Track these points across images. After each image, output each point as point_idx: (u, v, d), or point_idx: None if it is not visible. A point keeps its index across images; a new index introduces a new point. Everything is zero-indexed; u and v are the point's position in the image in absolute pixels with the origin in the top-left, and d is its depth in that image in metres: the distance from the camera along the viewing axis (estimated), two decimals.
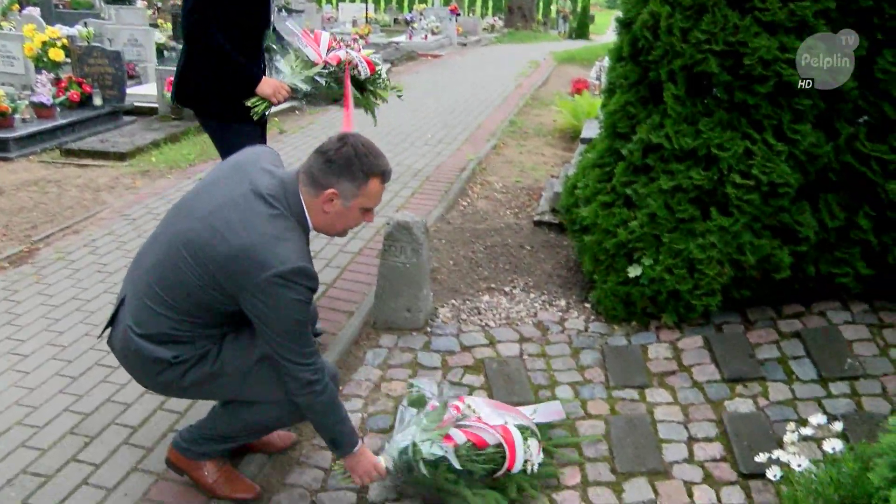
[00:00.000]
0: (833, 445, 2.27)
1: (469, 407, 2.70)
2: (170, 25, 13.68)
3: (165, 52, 11.70)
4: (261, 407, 2.39)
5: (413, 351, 3.55)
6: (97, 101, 8.27)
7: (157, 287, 2.23)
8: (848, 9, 3.23)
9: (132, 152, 7.10)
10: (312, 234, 2.32)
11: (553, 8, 31.66)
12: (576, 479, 2.77)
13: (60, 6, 16.15)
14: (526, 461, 2.62)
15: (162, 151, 7.24)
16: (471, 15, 28.76)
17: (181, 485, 2.64)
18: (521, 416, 2.78)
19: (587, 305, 3.92)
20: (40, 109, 7.67)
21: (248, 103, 3.33)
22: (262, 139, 3.47)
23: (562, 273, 4.37)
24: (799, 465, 2.27)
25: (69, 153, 7.16)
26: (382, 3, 30.43)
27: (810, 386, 3.15)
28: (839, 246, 3.46)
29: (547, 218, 5.17)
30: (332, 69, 3.48)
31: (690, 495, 2.69)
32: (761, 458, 2.45)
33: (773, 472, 2.35)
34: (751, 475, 2.72)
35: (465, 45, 19.97)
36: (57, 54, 8.75)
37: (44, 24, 9.67)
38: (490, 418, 2.67)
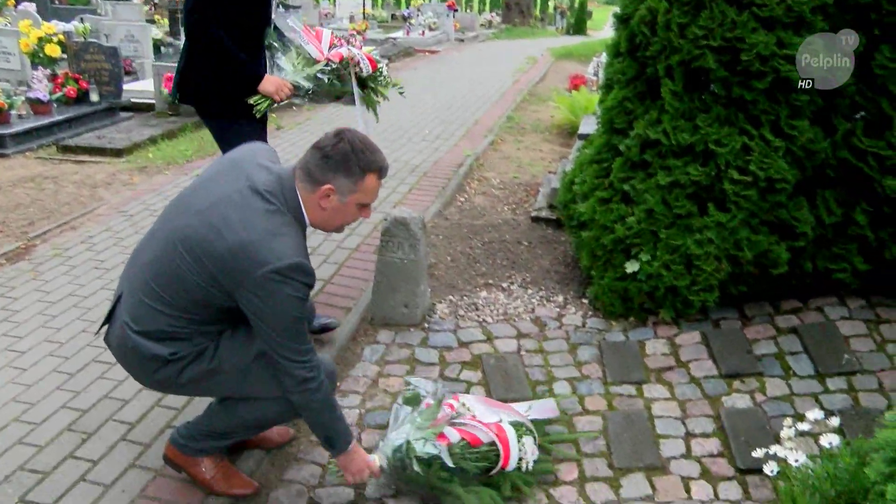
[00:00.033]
0: (830, 441, 2.28)
1: (463, 405, 2.70)
2: (167, 21, 13.65)
3: (162, 48, 11.67)
4: (258, 403, 2.39)
5: (411, 347, 3.55)
6: (94, 97, 8.26)
7: (154, 284, 2.23)
8: (845, 4, 3.23)
9: (129, 148, 7.09)
10: (309, 229, 2.32)
11: (550, 4, 31.62)
12: (573, 474, 2.78)
13: (56, 2, 16.09)
14: (520, 459, 2.62)
15: (159, 148, 7.23)
16: (468, 11, 28.74)
17: (179, 481, 2.64)
18: (516, 414, 2.78)
19: (585, 301, 3.92)
20: (37, 105, 7.65)
21: (251, 101, 3.32)
22: (263, 137, 3.46)
23: (559, 269, 4.37)
24: (796, 461, 2.28)
25: (66, 149, 7.15)
26: None
27: (807, 381, 3.16)
28: (836, 242, 3.46)
29: (544, 214, 5.18)
30: (334, 66, 3.47)
31: (688, 491, 2.69)
32: (758, 453, 2.46)
33: (771, 468, 2.36)
34: (748, 470, 2.73)
35: (462, 41, 19.96)
36: (53, 50, 8.72)
37: (40, 19, 9.61)
38: (484, 416, 2.67)
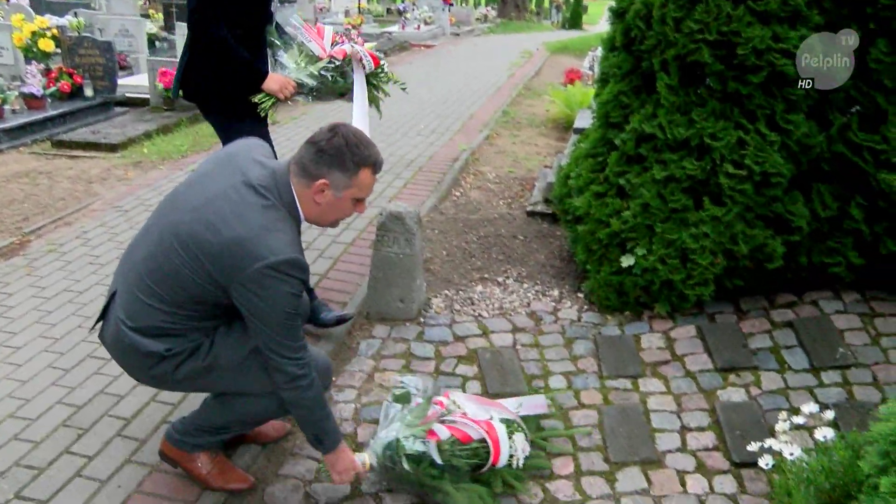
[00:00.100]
0: (824, 434, 2.29)
1: (454, 402, 2.70)
2: (161, 16, 13.59)
3: (157, 43, 11.63)
4: (254, 398, 2.39)
5: (406, 341, 3.55)
6: (88, 92, 8.23)
7: (149, 280, 2.22)
8: None
9: (124, 143, 7.07)
10: (304, 224, 2.31)
11: None
12: (569, 468, 2.78)
13: None
14: (511, 455, 2.62)
15: (154, 143, 7.21)
16: (464, 5, 28.70)
17: (175, 476, 2.64)
18: (506, 411, 2.78)
19: (580, 295, 3.93)
20: (30, 100, 7.63)
21: (255, 100, 3.29)
22: (266, 134, 3.43)
23: (555, 263, 4.37)
24: (791, 454, 2.29)
25: (60, 145, 7.12)
26: None
27: (802, 375, 3.17)
28: (831, 236, 3.47)
29: (540, 208, 5.18)
30: (337, 63, 3.45)
31: (683, 484, 2.70)
32: (753, 446, 2.47)
33: (766, 461, 2.37)
34: (743, 464, 2.74)
35: (458, 35, 19.93)
36: (47, 45, 8.70)
37: (33, 13, 9.59)
38: (475, 414, 2.67)
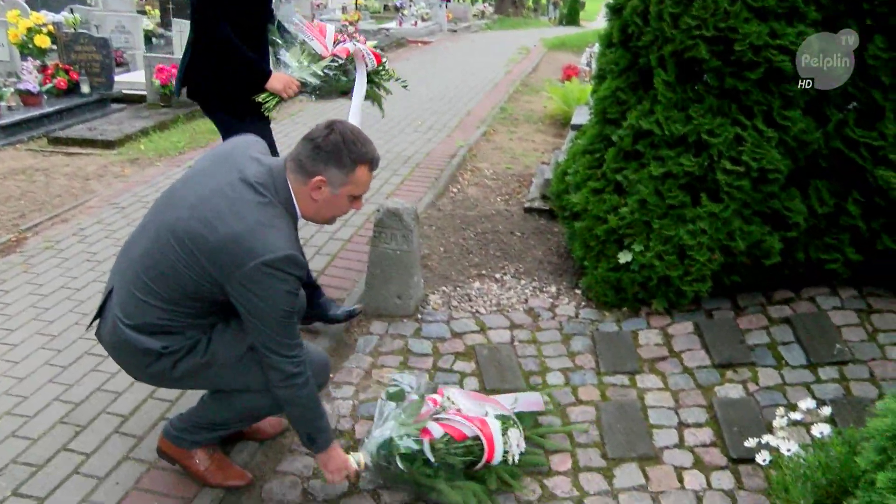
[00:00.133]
0: (821, 430, 2.30)
1: (448, 399, 2.70)
2: (157, 12, 13.56)
3: (154, 40, 11.60)
4: (251, 395, 2.39)
5: (404, 338, 3.55)
6: (85, 88, 8.21)
7: (146, 277, 2.22)
8: None
9: (121, 140, 7.06)
10: (301, 221, 2.31)
11: None
12: (566, 464, 2.79)
13: None
14: (506, 452, 2.62)
15: (151, 139, 7.19)
16: (461, 1, 28.61)
17: (173, 473, 2.64)
18: (502, 407, 2.78)
19: (578, 292, 3.93)
20: (27, 97, 7.61)
21: (259, 99, 3.28)
22: (269, 133, 3.41)
23: (552, 259, 4.37)
24: (788, 450, 2.29)
25: (57, 141, 7.11)
26: None
27: (799, 371, 3.17)
28: (829, 232, 3.47)
29: (537, 204, 5.17)
30: (340, 62, 3.44)
31: (681, 480, 2.70)
32: (751, 442, 2.47)
33: (763, 457, 2.37)
34: (740, 460, 2.74)
35: (455, 31, 19.89)
36: (43, 41, 8.65)
37: (28, 9, 9.54)
38: (470, 410, 2.67)
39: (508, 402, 2.86)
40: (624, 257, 3.54)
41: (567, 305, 3.82)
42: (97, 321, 2.39)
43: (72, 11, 10.63)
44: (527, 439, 2.78)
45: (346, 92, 3.55)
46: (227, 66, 3.22)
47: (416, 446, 2.49)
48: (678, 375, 3.25)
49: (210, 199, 2.16)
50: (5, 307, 3.81)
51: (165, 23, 12.45)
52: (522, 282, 4.08)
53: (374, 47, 3.67)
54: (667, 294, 3.54)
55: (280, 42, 3.45)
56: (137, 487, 2.59)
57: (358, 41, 3.57)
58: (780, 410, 2.49)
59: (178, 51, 9.40)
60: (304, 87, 3.42)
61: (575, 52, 14.36)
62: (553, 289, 3.99)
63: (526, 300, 3.88)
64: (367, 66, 3.50)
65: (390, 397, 2.73)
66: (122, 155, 6.74)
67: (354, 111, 3.47)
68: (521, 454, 2.69)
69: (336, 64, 3.44)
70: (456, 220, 4.98)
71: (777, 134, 3.27)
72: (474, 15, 24.08)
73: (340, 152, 2.17)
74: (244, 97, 3.27)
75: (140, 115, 7.99)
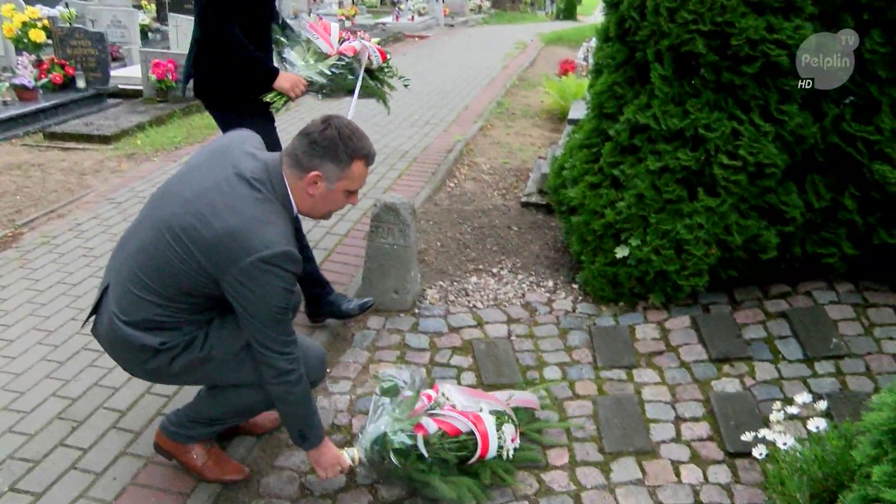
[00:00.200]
0: (818, 424, 2.30)
1: (443, 395, 2.70)
2: (154, 7, 13.51)
3: (150, 34, 11.56)
4: (248, 389, 2.39)
5: (401, 332, 3.55)
6: (80, 83, 8.18)
7: (142, 273, 2.21)
8: None
9: (117, 135, 7.04)
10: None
11: None
12: (563, 459, 2.79)
13: None
14: (500, 447, 2.62)
15: (147, 134, 7.18)
16: None
17: (170, 468, 2.64)
18: (497, 402, 2.78)
19: (575, 286, 3.93)
20: (22, 92, 7.58)
21: (267, 98, 3.26)
22: (273, 132, 3.39)
23: (549, 254, 4.37)
24: (784, 444, 2.30)
25: (53, 136, 7.09)
26: None
27: (796, 365, 3.18)
28: (825, 226, 3.48)
29: (534, 199, 5.17)
30: (347, 60, 3.43)
31: (678, 474, 2.71)
32: (747, 437, 2.48)
33: (759, 451, 2.38)
34: (737, 454, 2.75)
35: (452, 26, 19.84)
36: (38, 35, 8.60)
37: (23, 3, 9.49)
38: (464, 406, 2.67)
39: (504, 398, 2.86)
40: (621, 252, 3.54)
41: (564, 300, 3.82)
42: (93, 317, 2.39)
43: (67, 6, 10.57)
44: (523, 434, 2.78)
45: (352, 90, 3.53)
46: (227, 65, 3.19)
47: (409, 441, 2.49)
48: (675, 370, 3.25)
49: (205, 194, 2.15)
50: (2, 303, 3.81)
51: (162, 17, 12.41)
52: (519, 276, 4.08)
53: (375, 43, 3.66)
54: (664, 288, 3.55)
55: (284, 41, 3.44)
56: (135, 482, 2.59)
57: (363, 38, 3.56)
58: (777, 405, 2.49)
59: (175, 46, 9.37)
60: (310, 86, 3.40)
61: (572, 46, 14.33)
62: (550, 283, 3.99)
63: (523, 295, 3.88)
64: (372, 63, 3.49)
65: (384, 392, 2.73)
66: (119, 150, 6.72)
67: (353, 107, 3.46)
68: (516, 449, 2.69)
69: (343, 62, 3.43)
70: (453, 215, 4.98)
71: (774, 128, 3.27)
72: (471, 9, 24.02)
73: (336, 147, 2.17)
74: (245, 96, 3.25)
75: (136, 110, 7.97)
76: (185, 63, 3.47)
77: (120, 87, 8.65)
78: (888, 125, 3.22)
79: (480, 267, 4.21)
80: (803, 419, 2.41)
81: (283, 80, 3.26)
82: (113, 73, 8.71)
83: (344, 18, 16.48)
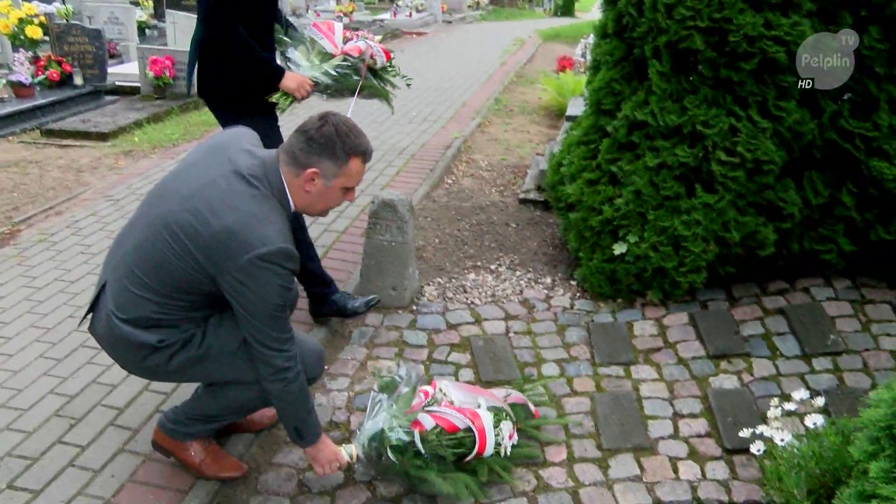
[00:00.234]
0: (815, 420, 2.31)
1: (441, 391, 2.70)
2: (151, 3, 13.48)
3: (147, 31, 11.54)
4: (246, 386, 2.38)
5: (399, 329, 3.55)
6: (78, 80, 8.17)
7: (139, 270, 2.20)
8: None
9: (114, 132, 7.03)
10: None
11: None
12: (562, 455, 2.79)
13: None
14: (498, 444, 2.62)
15: (145, 131, 7.17)
16: None
17: (168, 465, 2.64)
18: (495, 399, 2.78)
19: (573, 283, 3.93)
20: (19, 89, 7.56)
21: (272, 99, 3.25)
22: (277, 132, 3.38)
23: (547, 251, 4.37)
24: (782, 440, 2.30)
25: (50, 133, 7.08)
26: None
27: (794, 362, 3.18)
28: (823, 223, 3.48)
29: (532, 195, 5.18)
30: (352, 60, 3.42)
31: (675, 471, 2.71)
32: (745, 433, 2.48)
33: (757, 447, 2.38)
34: (735, 450, 2.75)
35: (450, 22, 19.83)
36: (34, 32, 8.58)
37: (20, 0, 9.48)
38: (462, 402, 2.67)
39: (502, 395, 2.86)
40: (619, 248, 3.55)
41: (562, 297, 3.82)
42: (90, 315, 2.38)
43: (64, 2, 10.57)
44: (520, 431, 2.78)
45: (356, 90, 3.53)
46: (227, 65, 3.18)
47: (406, 438, 2.50)
48: (673, 366, 3.26)
49: (203, 191, 2.15)
50: None
51: (159, 14, 12.40)
52: (517, 273, 4.08)
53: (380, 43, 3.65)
54: (662, 285, 3.55)
55: (287, 40, 3.42)
56: (133, 480, 2.59)
57: (367, 38, 3.55)
58: (775, 401, 2.50)
59: (172, 42, 9.34)
60: (315, 87, 3.39)
61: (570, 43, 14.33)
62: (548, 280, 3.99)
63: (521, 291, 3.88)
64: (376, 62, 3.48)
65: (381, 388, 2.73)
66: (116, 147, 6.71)
67: (352, 105, 3.46)
68: (514, 446, 2.69)
69: (348, 63, 3.42)
70: (451, 212, 4.97)
71: (772, 125, 3.27)
72: (469, 6, 23.99)
73: (334, 144, 2.17)
74: (245, 96, 3.23)
75: (134, 106, 7.95)
76: (188, 63, 3.45)
77: (117, 83, 8.62)
78: (886, 122, 3.22)
79: (478, 264, 4.21)
80: (801, 415, 2.42)
81: (289, 81, 3.25)
82: (110, 69, 8.69)
83: (342, 15, 16.46)
